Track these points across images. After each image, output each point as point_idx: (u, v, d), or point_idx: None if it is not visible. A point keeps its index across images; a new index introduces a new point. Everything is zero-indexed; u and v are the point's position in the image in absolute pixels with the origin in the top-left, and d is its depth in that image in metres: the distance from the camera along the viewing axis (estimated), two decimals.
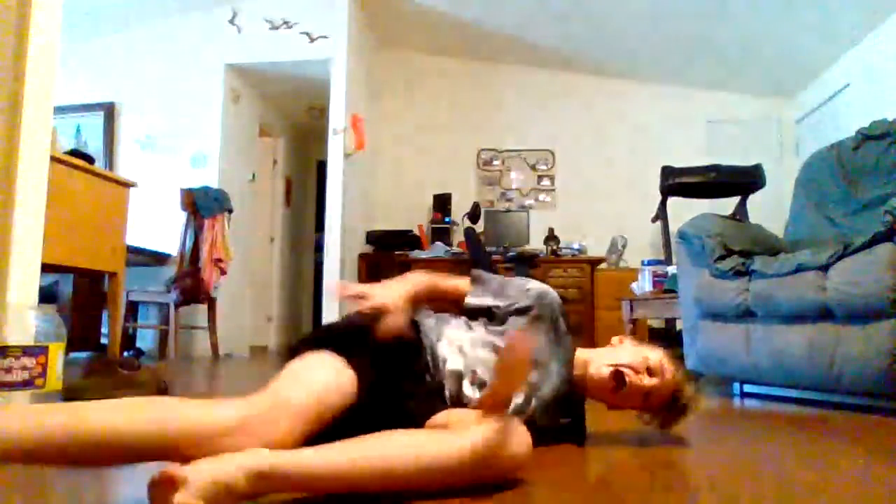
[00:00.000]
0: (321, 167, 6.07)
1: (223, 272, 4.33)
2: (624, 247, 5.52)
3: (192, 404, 0.88)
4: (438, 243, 5.49)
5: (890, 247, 1.93)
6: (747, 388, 2.58)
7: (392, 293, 1.18)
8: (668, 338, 4.06)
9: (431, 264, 4.99)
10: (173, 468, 0.74)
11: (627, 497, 1.01)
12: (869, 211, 2.52)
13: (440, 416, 1.00)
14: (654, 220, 5.05)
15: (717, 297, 2.45)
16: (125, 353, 4.20)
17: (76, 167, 2.75)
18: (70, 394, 1.60)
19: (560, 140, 6.04)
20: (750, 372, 2.38)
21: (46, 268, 2.12)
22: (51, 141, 2.10)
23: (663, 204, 4.89)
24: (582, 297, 5.16)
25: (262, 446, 0.84)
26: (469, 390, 1.16)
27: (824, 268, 2.09)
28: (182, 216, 4.26)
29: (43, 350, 1.65)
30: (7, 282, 1.86)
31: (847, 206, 2.70)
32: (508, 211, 5.86)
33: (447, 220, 5.71)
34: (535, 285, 1.39)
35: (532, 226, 5.66)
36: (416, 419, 1.01)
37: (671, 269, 3.39)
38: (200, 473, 0.75)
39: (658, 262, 4.16)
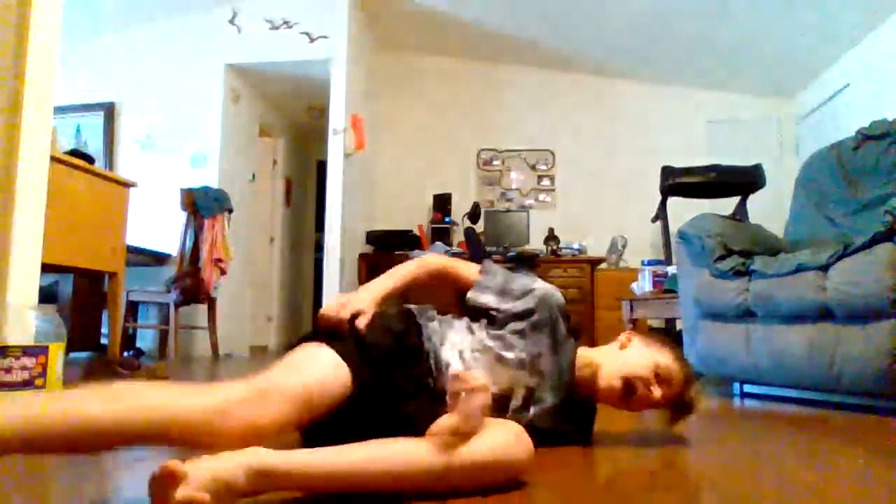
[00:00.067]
0: (321, 167, 6.07)
1: (223, 272, 4.33)
2: (624, 247, 5.52)
3: (187, 387, 0.90)
4: (438, 243, 5.49)
5: (890, 247, 1.93)
6: (747, 388, 2.58)
7: (365, 298, 1.23)
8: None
9: None
10: (174, 463, 0.74)
11: (627, 497, 1.01)
12: (869, 211, 2.52)
13: (443, 421, 1.00)
14: (654, 220, 5.05)
15: (717, 297, 2.45)
16: (125, 353, 4.20)
17: (76, 167, 2.75)
18: None
19: (560, 140, 6.04)
20: (750, 372, 2.38)
21: (46, 268, 2.12)
22: (51, 141, 2.10)
23: (663, 204, 4.89)
24: (582, 297, 5.16)
25: (254, 427, 0.86)
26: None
27: (824, 268, 2.09)
28: (182, 216, 4.26)
29: (43, 350, 1.65)
30: (7, 282, 1.86)
31: (847, 206, 2.70)
32: (508, 211, 5.86)
33: (447, 220, 5.71)
34: (539, 286, 1.37)
35: (532, 226, 5.66)
36: (417, 423, 1.00)
37: (671, 269, 3.39)
38: (200, 470, 0.76)
39: (658, 262, 4.17)
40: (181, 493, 0.73)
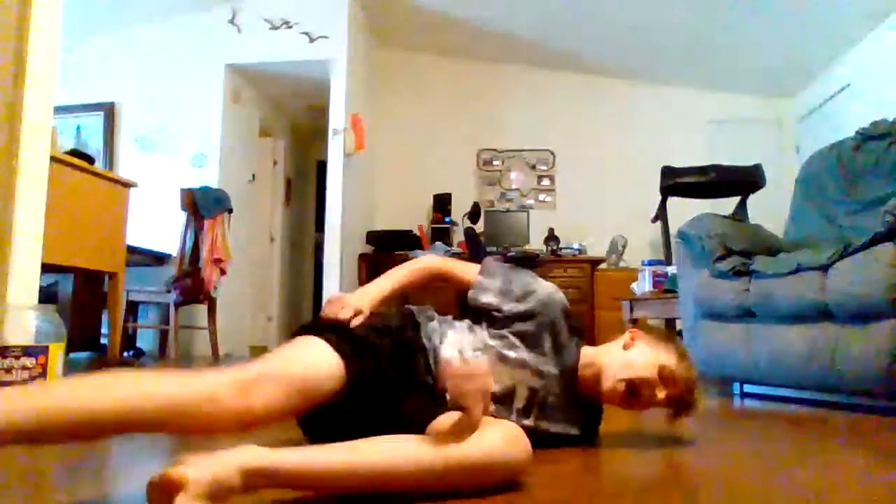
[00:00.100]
0: (321, 167, 6.06)
1: (223, 272, 4.33)
2: (624, 247, 5.52)
3: (181, 374, 0.91)
4: (438, 243, 5.49)
5: (890, 247, 1.93)
6: (747, 388, 2.58)
7: (362, 299, 1.24)
8: None
9: None
10: (173, 471, 0.73)
11: (627, 497, 1.01)
12: (869, 211, 2.52)
13: (442, 419, 1.00)
14: (654, 220, 5.04)
15: (717, 297, 2.45)
16: (125, 353, 4.21)
17: (76, 167, 2.75)
18: None
19: (560, 140, 6.04)
20: (750, 372, 2.38)
21: (46, 268, 2.12)
22: (51, 141, 2.10)
23: (663, 204, 4.89)
24: (582, 297, 5.16)
25: (246, 413, 0.88)
26: None
27: (824, 268, 2.09)
28: (182, 216, 4.26)
29: (43, 350, 1.65)
30: (7, 282, 1.86)
31: (847, 206, 2.70)
32: (508, 211, 5.86)
33: (447, 220, 5.70)
34: (541, 287, 1.36)
35: (532, 226, 5.66)
36: (416, 422, 1.00)
37: (671, 269, 3.39)
38: (199, 473, 0.75)
39: (658, 262, 4.16)
40: (182, 501, 0.72)
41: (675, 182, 4.61)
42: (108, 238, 3.03)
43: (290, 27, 5.06)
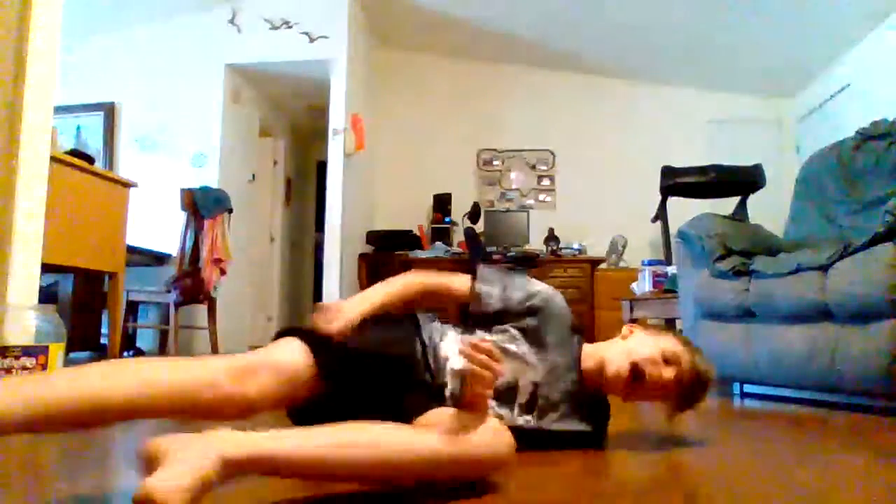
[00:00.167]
0: (321, 167, 6.06)
1: (223, 272, 4.33)
2: (624, 247, 5.52)
3: (181, 361, 0.94)
4: (438, 243, 5.49)
5: (890, 247, 1.93)
6: (747, 388, 2.58)
7: (352, 309, 1.20)
8: None
9: (431, 264, 5.00)
10: (152, 487, 0.68)
11: (627, 497, 1.01)
12: (869, 211, 2.52)
13: (430, 414, 1.00)
14: (654, 220, 5.05)
15: (717, 297, 2.45)
16: (125, 354, 4.20)
17: (76, 167, 2.75)
18: None
19: (560, 140, 6.04)
20: (750, 372, 2.38)
21: (46, 268, 2.12)
22: (51, 141, 2.10)
23: (663, 204, 4.89)
24: (582, 297, 5.16)
25: (243, 399, 0.92)
26: None
27: (824, 268, 2.09)
28: (182, 216, 4.26)
29: (43, 350, 1.65)
30: (7, 282, 1.86)
31: (847, 206, 2.70)
32: (508, 211, 5.86)
33: (447, 220, 5.70)
34: (541, 287, 1.37)
35: (532, 226, 5.65)
36: (413, 419, 1.00)
37: (671, 269, 3.39)
38: (179, 478, 0.70)
39: (658, 262, 4.16)
40: None
41: (675, 182, 4.61)
42: (108, 238, 3.03)
43: (290, 27, 5.06)
